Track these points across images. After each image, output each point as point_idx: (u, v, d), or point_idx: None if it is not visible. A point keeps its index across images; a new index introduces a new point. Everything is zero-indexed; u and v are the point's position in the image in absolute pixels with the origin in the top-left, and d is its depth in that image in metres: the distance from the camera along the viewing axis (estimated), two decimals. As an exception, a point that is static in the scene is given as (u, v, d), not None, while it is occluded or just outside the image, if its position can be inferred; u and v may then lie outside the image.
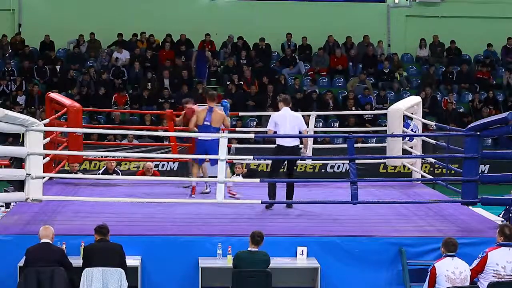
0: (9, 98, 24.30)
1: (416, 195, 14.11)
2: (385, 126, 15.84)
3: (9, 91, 24.57)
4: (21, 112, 19.14)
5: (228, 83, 24.97)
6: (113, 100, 24.00)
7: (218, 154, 11.47)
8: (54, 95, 15.44)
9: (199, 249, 10.56)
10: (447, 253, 9.44)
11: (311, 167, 21.68)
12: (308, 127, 14.60)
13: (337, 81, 26.37)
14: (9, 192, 13.09)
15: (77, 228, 10.97)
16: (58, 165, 14.46)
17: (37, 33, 26.28)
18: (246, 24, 26.93)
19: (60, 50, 26.85)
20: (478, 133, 11.50)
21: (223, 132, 13.37)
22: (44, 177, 11.61)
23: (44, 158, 11.87)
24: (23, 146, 11.07)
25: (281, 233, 10.92)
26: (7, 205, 12.95)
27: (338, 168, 21.99)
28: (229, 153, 14.66)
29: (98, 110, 21.89)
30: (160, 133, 19.71)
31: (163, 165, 21.27)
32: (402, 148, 14.75)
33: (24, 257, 9.71)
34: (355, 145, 12.29)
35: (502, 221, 12.29)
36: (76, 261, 9.86)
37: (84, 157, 15.87)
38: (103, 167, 16.86)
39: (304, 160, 17.74)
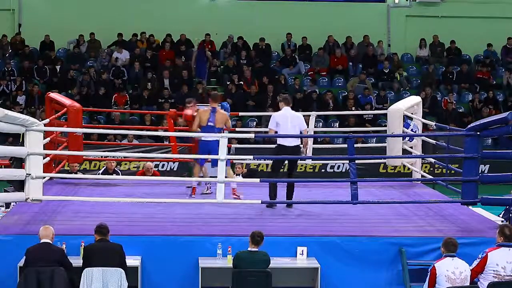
0: (9, 98, 24.30)
1: (416, 195, 14.11)
2: (385, 126, 15.85)
3: (9, 91, 24.58)
4: (21, 112, 19.14)
5: (228, 83, 24.98)
6: (113, 100, 24.00)
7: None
8: (54, 95, 15.44)
9: (199, 249, 10.56)
10: (447, 253, 9.44)
11: (311, 167, 21.68)
12: (308, 127, 14.60)
13: (337, 81, 26.37)
14: (9, 192, 13.09)
15: (77, 228, 10.97)
16: (58, 165, 14.46)
17: (37, 33, 26.28)
18: (246, 24, 26.93)
19: (60, 50, 26.85)
20: (478, 133, 11.50)
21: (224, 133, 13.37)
22: (44, 177, 11.62)
23: (44, 158, 11.86)
24: (23, 146, 11.07)
25: (281, 233, 10.92)
26: (7, 205, 12.94)
27: (338, 168, 21.99)
28: (229, 153, 14.66)
29: (98, 110, 21.89)
30: (160, 133, 19.73)
31: (163, 165, 21.27)
32: (402, 148, 14.75)
33: (24, 257, 9.70)
34: (355, 145, 12.30)
35: (502, 221, 12.29)
36: (76, 261, 9.86)
37: (84, 157, 15.88)
38: (103, 167, 16.86)
39: (304, 160, 17.74)
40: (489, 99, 25.41)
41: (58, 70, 25.55)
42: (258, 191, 13.23)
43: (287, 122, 12.64)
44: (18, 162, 13.10)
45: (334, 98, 24.96)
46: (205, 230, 11.02)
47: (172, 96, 24.40)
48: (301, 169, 20.86)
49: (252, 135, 16.37)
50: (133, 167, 20.55)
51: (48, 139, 13.15)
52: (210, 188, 13.72)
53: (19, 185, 11.79)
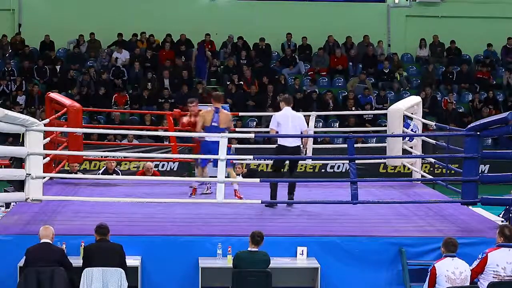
0: (9, 98, 24.31)
1: (416, 195, 14.11)
2: (385, 126, 15.85)
3: (9, 91, 24.58)
4: (21, 112, 19.14)
5: (228, 83, 24.98)
6: (113, 100, 24.00)
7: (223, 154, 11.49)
8: (54, 95, 15.45)
9: (199, 249, 10.56)
10: (447, 253, 9.43)
11: (311, 167, 21.68)
12: (308, 127, 14.60)
13: (337, 81, 26.38)
14: (9, 192, 13.08)
15: (77, 228, 10.97)
16: (58, 165, 14.46)
17: (37, 33, 26.29)
18: (246, 24, 26.94)
19: (60, 50, 26.86)
20: (478, 133, 11.50)
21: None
22: (44, 177, 11.61)
23: (44, 158, 11.86)
24: (23, 146, 11.06)
25: (281, 233, 10.92)
26: (7, 205, 12.94)
27: (338, 168, 22.00)
28: (229, 153, 14.65)
29: (98, 110, 21.89)
30: (160, 133, 19.73)
31: (163, 165, 21.28)
32: (402, 148, 14.75)
33: (24, 257, 9.70)
34: (355, 145, 12.29)
35: (502, 221, 12.29)
36: (76, 261, 9.86)
37: (84, 157, 15.88)
38: (103, 167, 16.86)
39: (304, 160, 17.75)
40: (489, 99, 25.42)
41: (58, 70, 25.56)
42: (258, 191, 13.24)
43: (288, 122, 12.65)
44: (18, 162, 13.09)
45: (334, 98, 24.96)
46: (205, 230, 11.02)
47: (172, 96, 24.40)
48: (301, 169, 20.86)
49: (252, 135, 16.35)
50: (133, 167, 20.55)
51: (48, 139, 13.15)
52: (210, 188, 13.72)
53: (19, 185, 11.79)
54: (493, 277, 9.27)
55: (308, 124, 14.88)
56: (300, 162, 18.33)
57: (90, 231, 10.07)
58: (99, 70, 25.43)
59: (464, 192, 11.63)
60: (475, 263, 9.41)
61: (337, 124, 23.80)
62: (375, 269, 10.63)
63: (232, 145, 16.78)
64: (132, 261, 10.16)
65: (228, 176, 12.91)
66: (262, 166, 20.90)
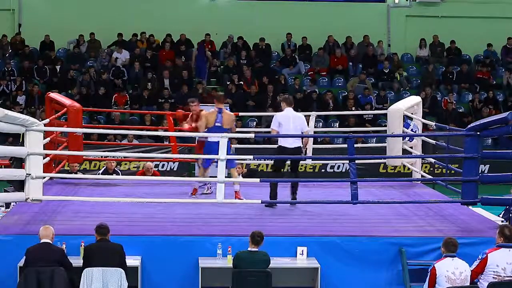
0: (9, 98, 24.31)
1: (416, 195, 14.11)
2: (385, 126, 15.85)
3: (9, 91, 24.58)
4: (21, 112, 19.14)
5: (228, 83, 24.98)
6: (113, 100, 24.00)
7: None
8: (54, 95, 15.45)
9: (199, 249, 10.56)
10: (447, 253, 9.43)
11: (311, 167, 21.68)
12: (308, 127, 14.60)
13: (337, 81, 26.37)
14: (9, 192, 13.08)
15: (77, 228, 10.97)
16: (58, 165, 14.46)
17: (37, 33, 26.29)
18: (246, 24, 26.94)
19: (60, 50, 26.85)
20: (478, 133, 11.49)
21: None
22: (44, 177, 11.61)
23: (44, 158, 11.86)
24: (23, 146, 11.07)
25: (281, 233, 10.92)
26: (7, 205, 12.94)
27: (338, 168, 22.00)
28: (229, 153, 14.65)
29: (98, 110, 21.89)
30: (160, 133, 19.73)
31: (163, 165, 21.28)
32: (402, 148, 14.75)
33: (24, 257, 9.71)
34: (355, 145, 12.30)
35: (502, 221, 12.29)
36: (76, 261, 9.86)
37: (84, 157, 15.88)
38: (103, 167, 16.86)
39: (304, 160, 17.75)
40: (489, 99, 25.41)
41: (58, 70, 25.56)
42: (258, 191, 13.23)
43: (289, 123, 12.66)
44: (18, 162, 13.09)
45: (334, 98, 24.96)
46: (205, 230, 11.02)
47: (172, 96, 24.40)
48: (301, 169, 20.79)
49: (252, 135, 16.34)
50: (133, 167, 20.55)
51: (48, 139, 13.15)
52: (210, 188, 13.72)
53: (19, 185, 11.79)
54: (493, 277, 9.27)
55: (308, 124, 14.88)
56: (300, 162, 18.35)
57: (90, 231, 10.08)
58: (99, 70, 25.43)
59: (464, 192, 11.63)
60: (475, 263, 9.41)
61: (337, 124, 23.80)
62: (375, 269, 10.63)
63: (232, 145, 16.78)
64: (132, 261, 10.16)
65: (230, 177, 12.91)
66: (262, 166, 20.90)
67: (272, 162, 13.67)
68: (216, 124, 13.09)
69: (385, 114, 15.88)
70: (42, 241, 9.72)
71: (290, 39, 26.99)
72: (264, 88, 24.69)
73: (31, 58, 25.84)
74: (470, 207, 12.85)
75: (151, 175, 15.81)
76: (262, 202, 12.17)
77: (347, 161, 14.87)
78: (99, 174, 16.26)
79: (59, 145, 14.37)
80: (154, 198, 12.91)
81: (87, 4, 26.67)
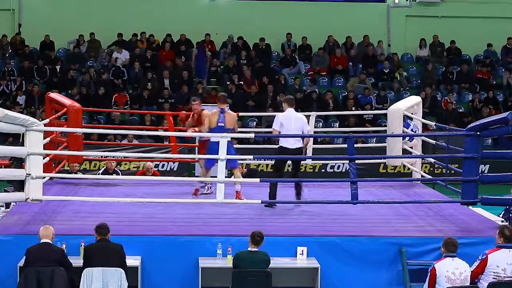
0: (9, 98, 24.31)
1: (416, 195, 14.11)
2: (385, 126, 15.85)
3: (9, 91, 24.58)
4: (21, 112, 19.14)
5: (228, 83, 24.97)
6: (113, 100, 24.00)
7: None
8: (54, 95, 15.45)
9: (199, 249, 10.56)
10: (447, 253, 9.43)
11: (311, 167, 21.68)
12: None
13: (337, 81, 26.37)
14: (9, 192, 13.09)
15: (77, 228, 10.97)
16: (58, 165, 14.46)
17: (37, 33, 26.29)
18: (246, 24, 26.94)
19: (60, 50, 26.86)
20: (478, 133, 11.49)
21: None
22: (44, 177, 11.61)
23: (44, 158, 11.86)
24: (23, 146, 11.07)
25: (281, 233, 10.92)
26: (7, 205, 12.94)
27: (338, 168, 22.00)
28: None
29: (98, 110, 21.88)
30: (160, 133, 19.73)
31: (163, 165, 21.28)
32: (402, 148, 14.75)
33: (24, 257, 9.71)
34: (355, 145, 12.30)
35: (502, 221, 12.29)
36: (76, 261, 9.86)
37: (84, 157, 15.88)
38: (103, 167, 16.87)
39: (304, 160, 17.75)
40: (489, 99, 25.42)
41: (58, 70, 25.56)
42: (258, 191, 13.23)
43: (291, 123, 12.68)
44: (18, 162, 13.09)
45: (334, 98, 24.96)
46: (205, 230, 11.02)
47: (172, 96, 24.40)
48: (301, 169, 20.83)
49: (252, 135, 16.34)
50: (133, 167, 20.55)
51: (48, 139, 13.15)
52: (210, 188, 13.72)
53: (19, 185, 11.79)
54: (493, 278, 9.26)
55: (308, 124, 14.88)
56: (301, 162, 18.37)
57: (90, 231, 10.07)
58: (99, 70, 25.43)
59: (464, 192, 11.63)
60: (475, 264, 9.40)
61: (337, 124, 23.80)
62: (375, 269, 10.63)
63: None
64: (132, 261, 10.16)
65: (231, 177, 12.91)
66: (262, 166, 20.90)
67: (273, 162, 13.67)
68: (219, 124, 13.10)
69: (385, 114, 15.88)
70: (42, 241, 9.72)
71: (290, 39, 26.99)
72: (264, 88, 24.69)
73: (31, 58, 25.84)
74: (470, 207, 12.85)
75: (151, 175, 15.81)
76: (262, 202, 12.17)
77: (347, 161, 14.87)
78: (99, 174, 16.26)
79: (59, 145, 14.37)
80: (154, 198, 12.91)
81: (87, 4, 26.67)
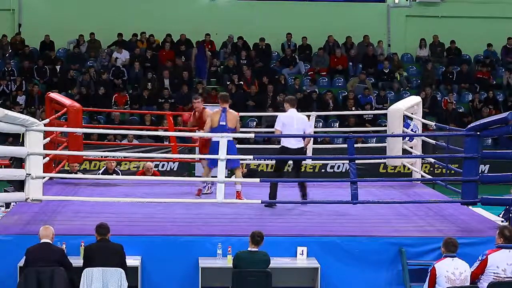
0: (9, 98, 24.31)
1: (416, 195, 14.11)
2: (385, 126, 15.85)
3: (9, 91, 24.58)
4: (21, 112, 19.14)
5: (228, 83, 24.98)
6: (113, 100, 24.01)
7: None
8: (54, 95, 15.45)
9: (199, 249, 10.56)
10: (447, 253, 9.43)
11: (311, 167, 21.68)
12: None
13: (337, 81, 26.37)
14: (9, 192, 13.09)
15: (77, 228, 10.97)
16: (58, 165, 14.46)
17: (37, 33, 26.29)
18: (246, 24, 26.94)
19: (60, 50, 26.86)
20: (478, 133, 11.49)
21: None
22: (44, 177, 11.61)
23: (44, 158, 11.86)
24: (23, 146, 11.07)
25: (281, 233, 10.91)
26: (7, 205, 12.94)
27: (338, 168, 22.00)
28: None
29: (98, 110, 21.89)
30: (160, 133, 19.73)
31: (163, 165, 21.28)
32: (402, 148, 14.75)
33: (24, 257, 9.70)
34: (355, 145, 12.30)
35: (502, 221, 12.29)
36: (76, 261, 9.86)
37: (84, 157, 15.87)
38: (103, 167, 16.86)
39: (304, 160, 17.74)
40: (489, 99, 25.42)
41: (58, 70, 25.56)
42: (258, 191, 13.23)
43: (293, 124, 12.68)
44: (18, 162, 13.09)
45: (334, 98, 24.97)
46: (205, 230, 11.02)
47: (172, 96, 24.40)
48: (301, 169, 20.84)
49: (252, 135, 16.34)
50: (133, 167, 20.55)
51: (48, 139, 13.15)
52: (210, 188, 13.72)
53: (19, 185, 11.79)
54: (493, 278, 9.26)
55: (308, 124, 14.89)
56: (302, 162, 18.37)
57: (90, 231, 10.08)
58: (99, 70, 25.44)
59: (464, 192, 11.62)
60: (475, 264, 9.40)
61: (337, 124, 23.80)
62: (375, 269, 10.63)
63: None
64: (132, 261, 10.16)
65: (231, 177, 12.91)
66: (262, 166, 20.90)
67: (274, 162, 13.68)
68: (220, 123, 13.09)
69: (385, 114, 15.88)
70: (42, 241, 9.72)
71: (290, 39, 26.99)
72: (264, 88, 24.69)
73: (31, 58, 25.84)
74: (470, 207, 12.85)
75: (151, 175, 15.82)
76: (262, 202, 12.17)
77: (347, 161, 14.86)
78: (99, 174, 16.26)
79: (59, 145, 14.36)
80: (154, 198, 12.90)
81: (87, 4, 26.67)
